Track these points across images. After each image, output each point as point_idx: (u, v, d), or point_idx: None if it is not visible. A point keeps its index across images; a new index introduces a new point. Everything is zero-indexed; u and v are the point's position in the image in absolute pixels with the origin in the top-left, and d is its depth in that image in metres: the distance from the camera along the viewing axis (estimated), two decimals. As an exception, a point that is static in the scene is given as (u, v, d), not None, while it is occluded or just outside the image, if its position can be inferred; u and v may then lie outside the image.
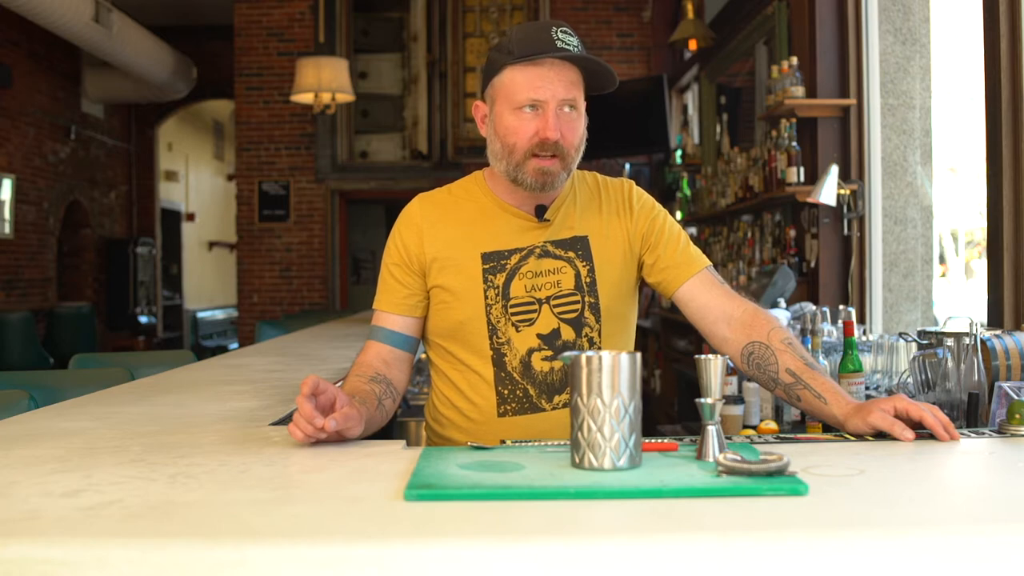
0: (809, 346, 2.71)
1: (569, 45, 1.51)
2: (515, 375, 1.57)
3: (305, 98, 6.27)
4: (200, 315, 11.71)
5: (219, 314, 12.26)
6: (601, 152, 6.97)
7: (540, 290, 1.58)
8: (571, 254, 1.61)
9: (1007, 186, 2.64)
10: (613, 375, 1.08)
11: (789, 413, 2.70)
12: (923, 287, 3.72)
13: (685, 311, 1.65)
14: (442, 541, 0.84)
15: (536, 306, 1.58)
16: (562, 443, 1.24)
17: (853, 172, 3.72)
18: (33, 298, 8.24)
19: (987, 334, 2.00)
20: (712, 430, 1.15)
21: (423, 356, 3.58)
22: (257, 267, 8.21)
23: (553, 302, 1.59)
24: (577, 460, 1.10)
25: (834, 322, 3.06)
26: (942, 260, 4.63)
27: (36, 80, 8.34)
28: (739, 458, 1.04)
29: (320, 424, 1.23)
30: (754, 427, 2.65)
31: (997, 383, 1.86)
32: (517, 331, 1.58)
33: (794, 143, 3.88)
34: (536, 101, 1.51)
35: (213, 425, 1.51)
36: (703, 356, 1.15)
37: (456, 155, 7.95)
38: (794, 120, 3.88)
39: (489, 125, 1.59)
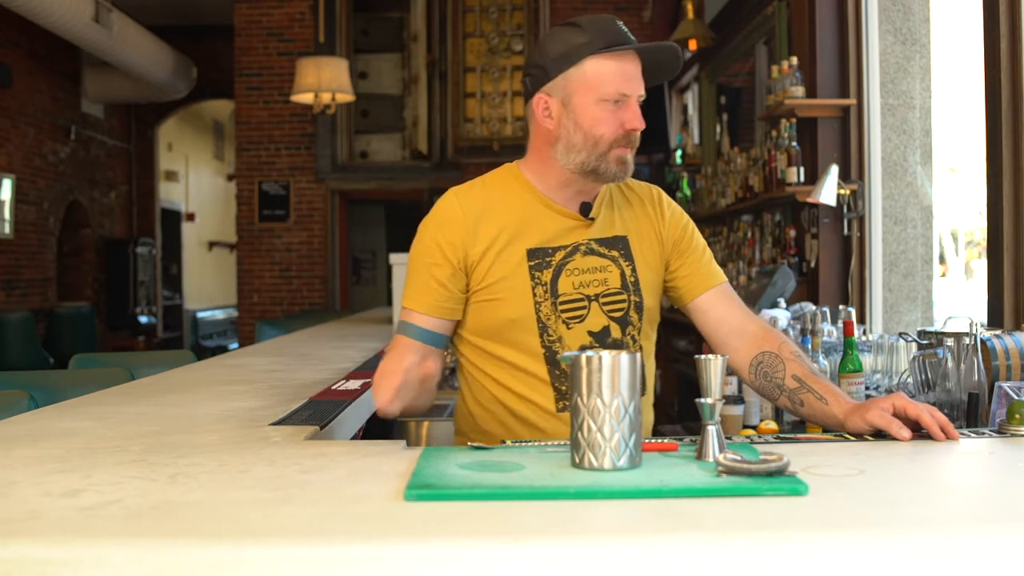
0: (809, 346, 2.71)
1: (633, 37, 1.55)
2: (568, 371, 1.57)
3: (305, 98, 6.27)
4: (200, 315, 11.72)
5: (219, 314, 12.26)
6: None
7: (588, 287, 1.58)
8: (615, 253, 1.61)
9: (1007, 186, 2.64)
10: (613, 375, 1.08)
11: (789, 413, 2.70)
12: (923, 287, 3.72)
13: (699, 319, 1.66)
14: (442, 541, 0.84)
15: (586, 303, 1.58)
16: (562, 443, 1.24)
17: (853, 172, 3.72)
18: (33, 298, 8.24)
19: (987, 334, 2.00)
20: (712, 430, 1.15)
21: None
22: (257, 267, 8.21)
23: (602, 300, 1.59)
24: (577, 460, 1.10)
25: (834, 322, 3.06)
26: (942, 260, 4.63)
27: (36, 80, 8.33)
28: (739, 458, 1.04)
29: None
30: (754, 427, 2.65)
31: (997, 383, 1.86)
32: (568, 328, 1.57)
33: (794, 143, 3.88)
34: (623, 95, 1.52)
35: (213, 425, 1.51)
36: (703, 356, 1.15)
37: (456, 155, 7.95)
38: (794, 120, 3.88)
39: (564, 117, 1.55)
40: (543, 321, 1.56)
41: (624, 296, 1.60)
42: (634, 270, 1.62)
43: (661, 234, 1.67)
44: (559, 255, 1.58)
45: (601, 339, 1.58)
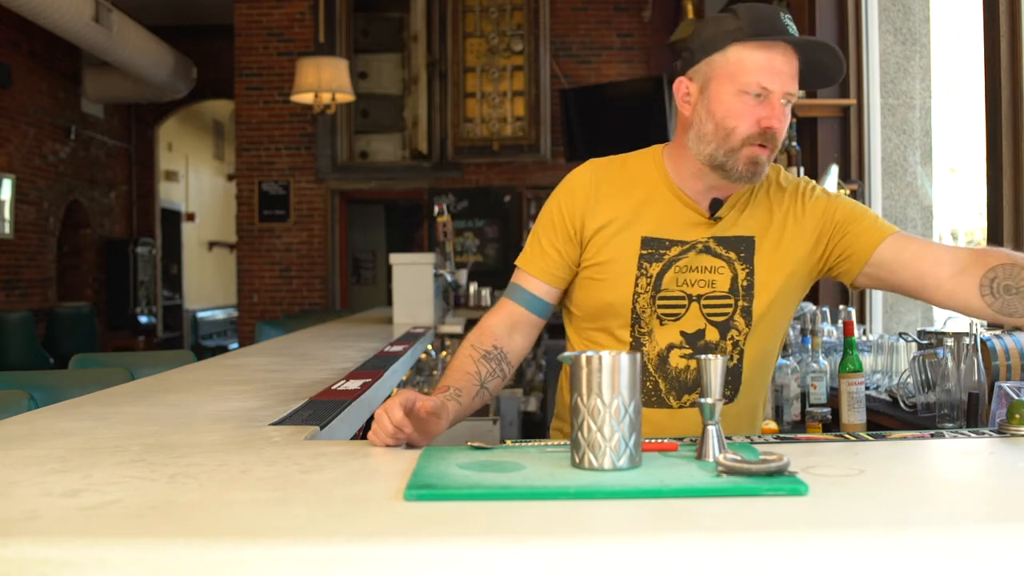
0: (809, 346, 2.71)
1: (796, 32, 1.43)
2: (649, 367, 1.54)
3: (305, 98, 6.27)
4: (200, 315, 11.72)
5: (219, 314, 12.27)
6: (601, 152, 6.97)
7: (692, 286, 1.52)
8: (732, 255, 1.53)
9: (1007, 186, 2.64)
10: (613, 375, 1.08)
11: (789, 413, 2.70)
12: (923, 287, 3.71)
13: (891, 269, 1.49)
14: (442, 541, 0.84)
15: (686, 302, 1.53)
16: (562, 443, 1.24)
17: (853, 172, 3.72)
18: (33, 298, 8.24)
19: (987, 334, 2.00)
20: (712, 430, 1.15)
21: (422, 356, 3.59)
22: (257, 267, 8.21)
23: (704, 301, 1.53)
24: (577, 460, 1.10)
25: (834, 322, 3.06)
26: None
27: (36, 80, 8.33)
28: (739, 458, 1.04)
29: (407, 431, 1.21)
30: (754, 427, 2.65)
31: (997, 383, 1.86)
32: (661, 324, 1.54)
33: (794, 143, 3.88)
34: (764, 88, 1.42)
35: (213, 425, 1.51)
36: (703, 356, 1.15)
37: (456, 155, 7.95)
38: (794, 120, 3.88)
39: (699, 104, 1.48)
40: (637, 312, 1.54)
41: (730, 300, 1.53)
42: (750, 274, 1.53)
43: (801, 227, 1.55)
44: (674, 250, 1.52)
45: (693, 341, 1.54)
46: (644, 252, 1.52)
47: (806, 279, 1.59)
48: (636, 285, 1.53)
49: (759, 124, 1.43)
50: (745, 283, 1.54)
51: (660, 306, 1.53)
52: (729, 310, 1.54)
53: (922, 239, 1.56)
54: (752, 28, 1.42)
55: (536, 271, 1.58)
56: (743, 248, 1.54)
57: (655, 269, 1.52)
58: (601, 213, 1.54)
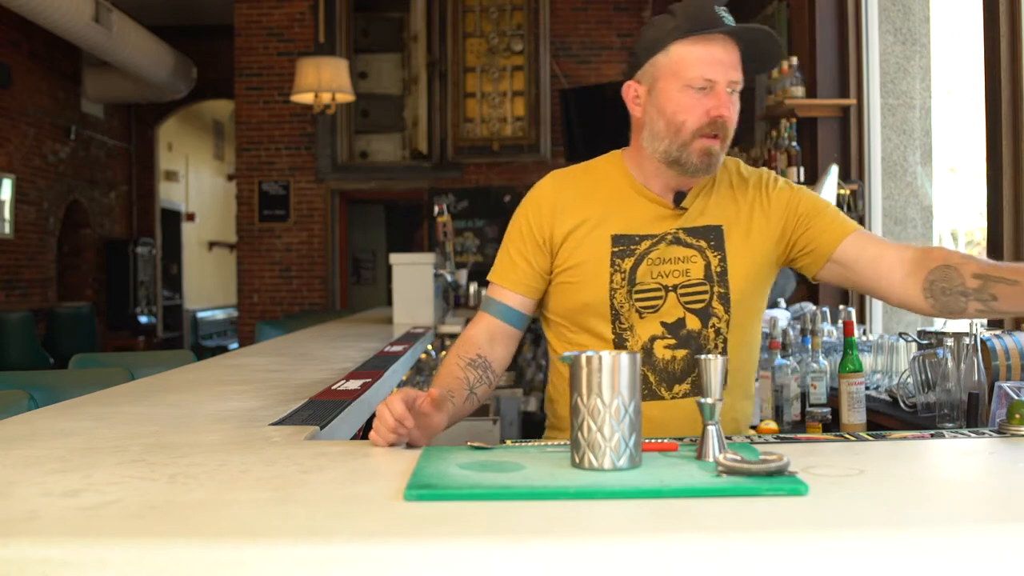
0: (809, 346, 2.71)
1: (733, 22, 1.48)
2: None
3: (305, 98, 6.27)
4: (200, 315, 11.72)
5: (219, 314, 12.27)
6: (600, 151, 6.97)
7: (667, 277, 1.56)
8: (703, 243, 1.57)
9: (1007, 186, 2.64)
10: (613, 375, 1.08)
11: (789, 413, 2.70)
12: (923, 287, 3.71)
13: (852, 268, 1.55)
14: (442, 541, 0.84)
15: (663, 293, 1.56)
16: (562, 443, 1.24)
17: (853, 172, 3.72)
18: (33, 298, 8.24)
19: (987, 334, 2.00)
20: (712, 430, 1.15)
21: (422, 356, 3.59)
22: (257, 267, 8.21)
23: (681, 291, 1.56)
24: (577, 460, 1.10)
25: (834, 322, 3.06)
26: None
27: (36, 80, 8.33)
28: (739, 458, 1.04)
29: (409, 425, 1.22)
30: (754, 427, 2.65)
31: (997, 383, 1.86)
32: (641, 318, 1.56)
33: (794, 143, 3.88)
34: (708, 80, 1.47)
35: (213, 425, 1.51)
36: (703, 356, 1.15)
37: (456, 155, 7.95)
38: (794, 120, 3.88)
39: (648, 104, 1.54)
40: (616, 308, 1.56)
41: (706, 287, 1.57)
42: (722, 260, 1.57)
43: (767, 217, 1.59)
44: (644, 244, 1.56)
45: (675, 331, 1.56)
46: (615, 249, 1.56)
47: (774, 267, 1.63)
48: (611, 281, 1.56)
49: (708, 115, 1.48)
50: (719, 269, 1.57)
51: (638, 299, 1.56)
52: (706, 296, 1.57)
53: (880, 239, 1.61)
54: (689, 24, 1.47)
55: (509, 283, 1.62)
56: (712, 236, 1.58)
57: (628, 264, 1.56)
58: (568, 219, 1.59)
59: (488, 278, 1.66)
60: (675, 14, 1.50)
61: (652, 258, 1.56)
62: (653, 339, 1.57)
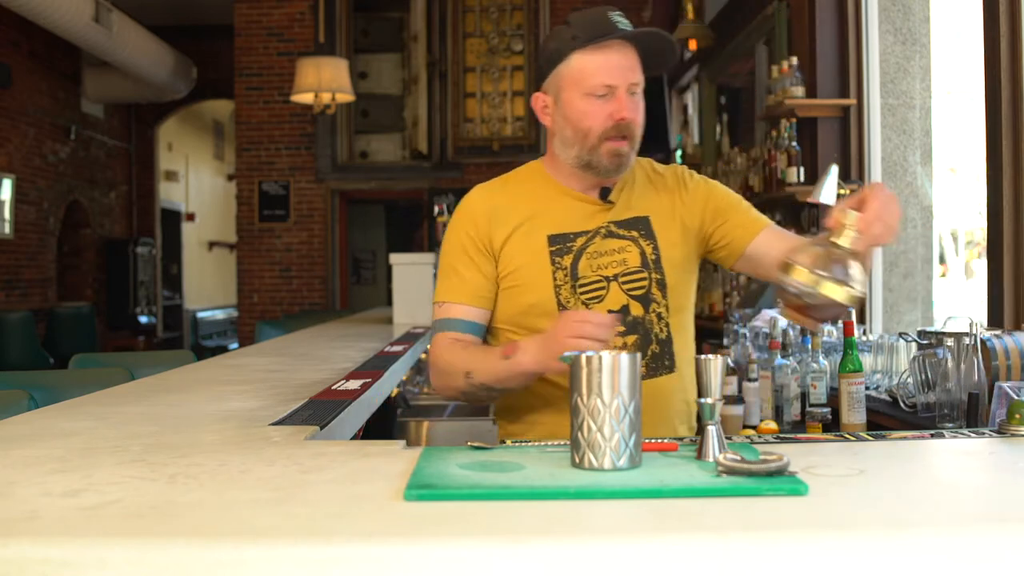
0: (809, 346, 2.71)
1: (628, 26, 1.55)
2: None
3: (305, 98, 6.27)
4: (200, 315, 11.72)
5: (219, 314, 12.27)
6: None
7: (607, 268, 1.60)
8: (634, 233, 1.63)
9: (1007, 186, 2.64)
10: (613, 375, 1.08)
11: (789, 413, 2.70)
12: (923, 287, 3.72)
13: (761, 263, 1.62)
14: (442, 541, 0.84)
15: (604, 283, 1.61)
16: (562, 443, 1.24)
17: (853, 172, 3.72)
18: (33, 298, 8.24)
19: (987, 334, 2.00)
20: (712, 430, 1.15)
21: (422, 356, 3.58)
22: (257, 267, 8.21)
23: (622, 279, 1.61)
24: (577, 460, 1.10)
25: (834, 322, 3.06)
26: (942, 260, 4.63)
27: (36, 80, 8.34)
28: (739, 458, 1.04)
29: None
30: (754, 427, 2.65)
31: (997, 383, 1.86)
32: (588, 309, 1.59)
33: (794, 143, 3.88)
34: (608, 86, 1.53)
35: (213, 425, 1.51)
36: (703, 356, 1.15)
37: (456, 155, 7.95)
38: (794, 120, 3.88)
39: (556, 113, 1.60)
40: (563, 304, 1.60)
41: (644, 274, 1.62)
42: (655, 248, 1.63)
43: (688, 208, 1.66)
44: (580, 240, 1.61)
45: (621, 318, 1.60)
46: (553, 248, 1.61)
47: (698, 258, 1.70)
48: (554, 279, 1.60)
49: (611, 118, 1.53)
50: (653, 256, 1.63)
51: (582, 293, 1.60)
52: (646, 283, 1.62)
53: (790, 235, 1.67)
54: (585, 34, 1.53)
55: (465, 298, 1.63)
56: (641, 227, 1.64)
57: (567, 260, 1.60)
58: (503, 225, 1.63)
59: (438, 300, 1.65)
60: (572, 24, 1.56)
61: (590, 252, 1.61)
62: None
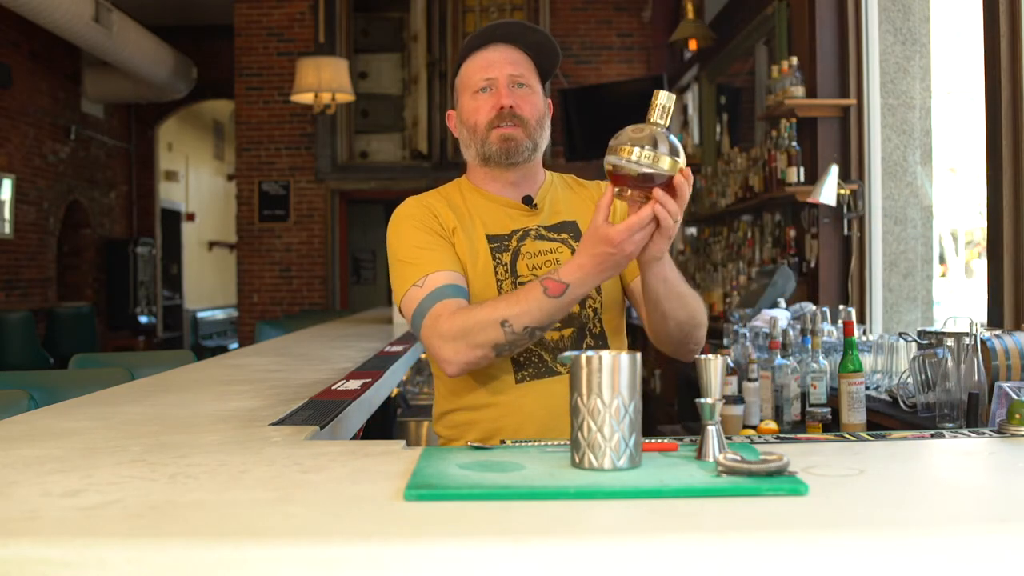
0: (809, 346, 2.72)
1: (513, 29, 1.65)
2: (530, 345, 1.59)
3: (305, 98, 6.27)
4: (200, 315, 11.71)
5: (219, 314, 12.26)
6: (600, 151, 6.97)
7: (541, 268, 1.63)
8: (564, 235, 1.67)
9: (1007, 186, 2.64)
10: (613, 375, 1.08)
11: (789, 413, 2.70)
12: (923, 287, 3.72)
13: (633, 298, 1.68)
14: (442, 541, 0.84)
15: None
16: (562, 443, 1.24)
17: (853, 172, 3.72)
18: (33, 298, 8.24)
19: (987, 334, 2.00)
20: (712, 430, 1.15)
21: (422, 356, 3.59)
22: (257, 267, 8.20)
23: None
24: (577, 460, 1.10)
25: (834, 322, 3.06)
26: (942, 260, 4.63)
27: (36, 80, 8.33)
28: (739, 458, 1.04)
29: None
30: (754, 427, 2.66)
31: (997, 383, 1.86)
32: None
33: (794, 143, 3.88)
34: (488, 80, 1.62)
35: (213, 425, 1.51)
36: (703, 356, 1.15)
37: (456, 155, 7.94)
38: (794, 120, 3.88)
39: (458, 122, 1.69)
40: None
41: None
42: None
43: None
44: (514, 240, 1.66)
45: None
46: (492, 246, 1.64)
47: None
48: (496, 273, 1.63)
49: (494, 108, 1.61)
50: None
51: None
52: None
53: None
54: (469, 44, 1.67)
55: (446, 266, 1.57)
56: (569, 230, 1.68)
57: (507, 258, 1.64)
58: (447, 223, 1.65)
59: (415, 281, 1.55)
60: (464, 45, 1.68)
61: (524, 252, 1.65)
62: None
